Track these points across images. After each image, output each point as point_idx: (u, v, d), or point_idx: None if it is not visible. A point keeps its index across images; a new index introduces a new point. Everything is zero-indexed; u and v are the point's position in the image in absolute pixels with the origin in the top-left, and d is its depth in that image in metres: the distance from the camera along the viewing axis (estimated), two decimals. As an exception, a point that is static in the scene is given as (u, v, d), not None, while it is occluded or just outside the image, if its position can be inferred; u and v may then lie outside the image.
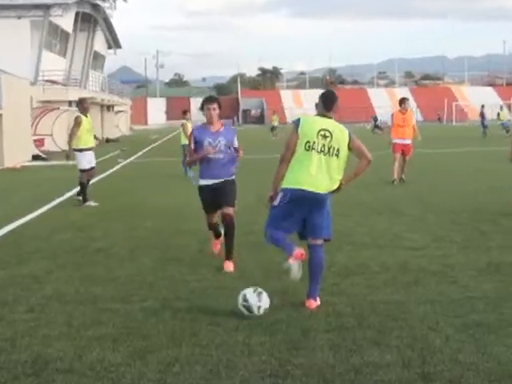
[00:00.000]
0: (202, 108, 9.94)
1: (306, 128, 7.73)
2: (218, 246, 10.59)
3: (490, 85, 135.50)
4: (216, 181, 9.87)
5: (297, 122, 7.82)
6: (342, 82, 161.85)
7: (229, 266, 9.74)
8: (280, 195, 7.81)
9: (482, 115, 56.41)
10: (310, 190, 7.60)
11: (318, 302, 7.80)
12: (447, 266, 9.72)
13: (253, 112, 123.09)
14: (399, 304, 7.84)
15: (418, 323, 7.14)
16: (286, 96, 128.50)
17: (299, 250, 7.62)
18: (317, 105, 8.01)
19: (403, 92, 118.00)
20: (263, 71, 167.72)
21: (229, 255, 9.88)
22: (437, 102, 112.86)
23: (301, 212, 7.75)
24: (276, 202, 7.85)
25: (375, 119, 74.07)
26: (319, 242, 7.92)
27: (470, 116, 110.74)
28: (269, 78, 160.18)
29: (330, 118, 7.81)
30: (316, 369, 5.94)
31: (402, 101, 21.49)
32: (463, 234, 11.97)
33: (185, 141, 23.10)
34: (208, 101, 9.89)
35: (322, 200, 7.71)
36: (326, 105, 7.87)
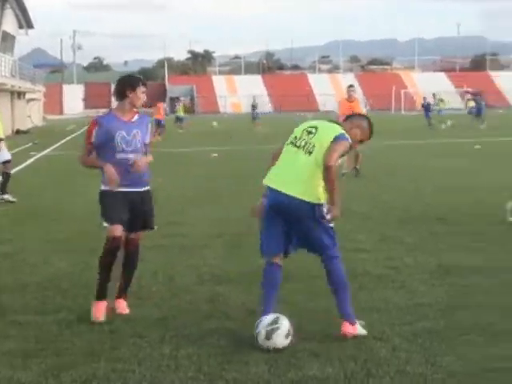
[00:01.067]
0: (127, 89, 8.00)
1: (298, 126, 7.63)
2: (102, 310, 7.91)
3: (443, 70, 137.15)
4: (129, 189, 7.97)
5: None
6: (281, 67, 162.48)
7: (124, 307, 8.14)
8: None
9: (426, 106, 57.16)
10: (279, 189, 7.29)
11: (357, 330, 7.16)
12: (395, 269, 9.84)
13: (181, 100, 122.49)
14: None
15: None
16: (219, 82, 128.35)
17: None
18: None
19: (348, 78, 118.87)
20: (193, 55, 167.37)
21: (126, 290, 8.32)
22: (385, 89, 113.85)
23: (281, 221, 7.35)
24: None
25: (253, 107, 65.55)
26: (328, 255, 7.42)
27: (419, 105, 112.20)
28: (200, 62, 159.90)
29: (339, 125, 7.59)
30: (250, 384, 5.97)
31: (348, 88, 21.78)
32: (412, 234, 12.13)
33: None
34: (142, 82, 8.16)
35: (301, 208, 7.22)
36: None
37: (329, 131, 7.37)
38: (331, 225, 7.33)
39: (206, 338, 7.11)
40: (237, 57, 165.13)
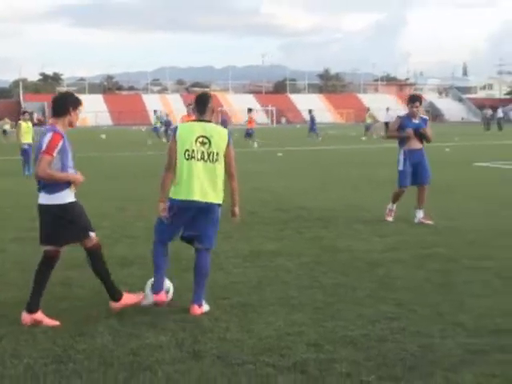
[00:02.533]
0: (70, 106, 6.93)
1: (183, 135, 7.19)
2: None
3: (251, 93, 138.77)
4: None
5: (175, 130, 7.33)
6: (120, 88, 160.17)
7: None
8: (167, 207, 7.24)
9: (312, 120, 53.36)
10: (198, 199, 7.14)
11: (203, 309, 7.14)
12: (214, 254, 9.90)
13: (35, 115, 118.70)
14: (174, 290, 7.92)
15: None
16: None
17: (161, 297, 7.20)
18: (193, 109, 7.59)
19: (175, 98, 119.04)
20: (44, 76, 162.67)
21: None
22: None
23: (184, 220, 7.28)
24: (165, 215, 7.26)
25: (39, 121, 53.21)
26: (204, 248, 7.42)
27: (233, 120, 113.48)
28: (50, 83, 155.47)
29: (208, 121, 7.30)
30: (97, 353, 5.90)
31: (188, 106, 23.24)
32: (227, 224, 12.24)
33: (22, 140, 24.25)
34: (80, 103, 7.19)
35: (210, 209, 7.27)
36: (199, 109, 7.34)
37: (220, 135, 7.22)
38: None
39: (59, 315, 6.94)
40: (82, 79, 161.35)
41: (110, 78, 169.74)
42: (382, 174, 21.10)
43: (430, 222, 12.37)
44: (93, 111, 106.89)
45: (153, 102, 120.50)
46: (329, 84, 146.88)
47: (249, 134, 41.93)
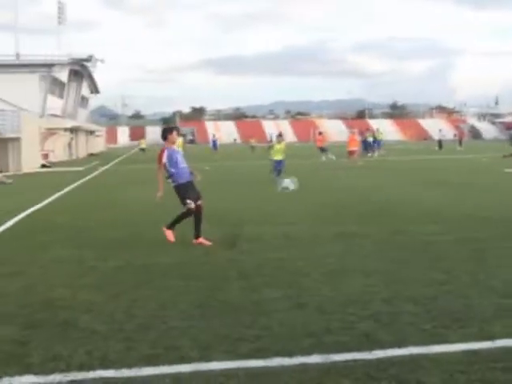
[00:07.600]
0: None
1: None
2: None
3: (340, 119, 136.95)
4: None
5: None
6: (246, 116, 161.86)
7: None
8: None
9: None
10: None
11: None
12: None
13: (188, 136, 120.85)
14: (283, 260, 7.87)
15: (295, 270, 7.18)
16: (209, 125, 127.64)
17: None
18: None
19: (285, 123, 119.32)
20: (194, 109, 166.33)
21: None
22: (306, 130, 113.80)
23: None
24: None
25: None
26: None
27: (328, 139, 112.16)
28: (198, 113, 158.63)
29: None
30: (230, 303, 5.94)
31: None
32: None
33: None
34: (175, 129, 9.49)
35: None
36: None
37: None
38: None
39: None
40: (219, 110, 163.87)
41: (237, 109, 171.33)
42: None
43: None
44: (227, 132, 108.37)
45: (269, 126, 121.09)
46: (396, 112, 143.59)
47: (322, 149, 36.77)
